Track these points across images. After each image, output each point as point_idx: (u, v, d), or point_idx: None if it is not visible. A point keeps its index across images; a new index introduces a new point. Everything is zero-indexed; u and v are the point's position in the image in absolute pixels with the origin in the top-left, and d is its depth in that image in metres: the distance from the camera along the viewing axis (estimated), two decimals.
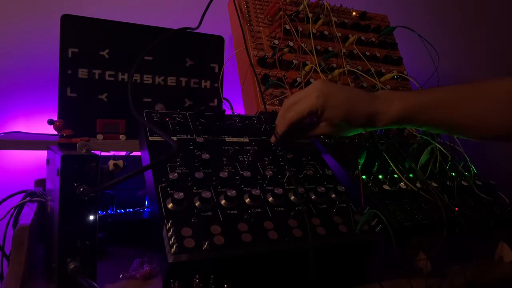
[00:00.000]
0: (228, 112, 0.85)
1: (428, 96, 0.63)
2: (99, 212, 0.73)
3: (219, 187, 0.59)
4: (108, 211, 0.81)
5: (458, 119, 0.61)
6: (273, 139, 0.70)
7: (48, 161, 0.66)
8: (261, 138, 0.73)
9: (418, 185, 0.73)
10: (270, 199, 0.59)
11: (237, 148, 0.68)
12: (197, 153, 0.64)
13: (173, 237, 0.48)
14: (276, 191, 0.59)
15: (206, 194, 0.55)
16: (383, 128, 0.64)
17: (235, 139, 0.70)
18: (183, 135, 0.67)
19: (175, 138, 0.66)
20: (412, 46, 1.05)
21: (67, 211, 0.52)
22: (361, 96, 0.64)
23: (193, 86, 0.93)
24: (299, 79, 0.90)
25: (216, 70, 0.95)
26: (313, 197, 0.62)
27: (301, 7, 1.02)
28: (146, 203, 0.86)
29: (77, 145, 0.58)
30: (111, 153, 0.81)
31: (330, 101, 0.62)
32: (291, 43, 0.94)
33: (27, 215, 0.63)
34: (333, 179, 0.68)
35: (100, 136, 0.79)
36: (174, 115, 0.71)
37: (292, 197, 0.61)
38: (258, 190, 0.58)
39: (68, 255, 0.53)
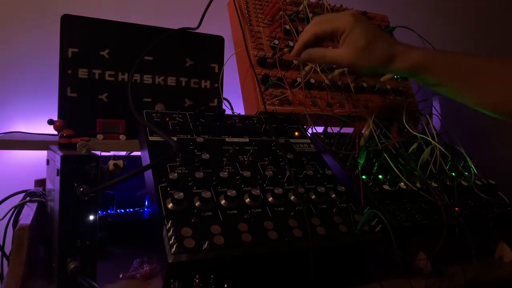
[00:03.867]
0: (228, 112, 0.85)
1: (451, 55, 0.65)
2: (99, 212, 0.73)
3: (219, 187, 0.59)
4: (108, 211, 0.81)
5: (473, 83, 0.63)
6: (292, 52, 0.73)
7: (48, 161, 0.66)
8: (261, 138, 0.73)
9: (418, 185, 0.72)
10: (270, 199, 0.59)
11: (237, 148, 0.68)
12: (197, 153, 0.64)
13: (173, 237, 0.48)
14: (276, 191, 0.59)
15: (206, 194, 0.55)
16: (398, 72, 0.67)
17: (235, 139, 0.70)
18: (183, 135, 0.67)
19: (175, 138, 0.66)
20: None
21: (67, 211, 0.52)
22: (387, 35, 0.68)
23: (193, 86, 0.93)
24: (299, 79, 0.90)
25: (216, 70, 0.95)
26: (313, 197, 0.62)
27: (301, 7, 1.02)
28: (146, 203, 0.86)
29: (77, 145, 0.58)
30: (111, 153, 0.81)
31: (359, 26, 0.66)
32: (291, 43, 0.94)
33: (27, 215, 0.62)
34: (333, 179, 0.68)
35: (100, 136, 0.79)
36: (174, 115, 0.71)
37: (292, 197, 0.61)
38: (258, 190, 0.58)
39: (68, 255, 0.53)
